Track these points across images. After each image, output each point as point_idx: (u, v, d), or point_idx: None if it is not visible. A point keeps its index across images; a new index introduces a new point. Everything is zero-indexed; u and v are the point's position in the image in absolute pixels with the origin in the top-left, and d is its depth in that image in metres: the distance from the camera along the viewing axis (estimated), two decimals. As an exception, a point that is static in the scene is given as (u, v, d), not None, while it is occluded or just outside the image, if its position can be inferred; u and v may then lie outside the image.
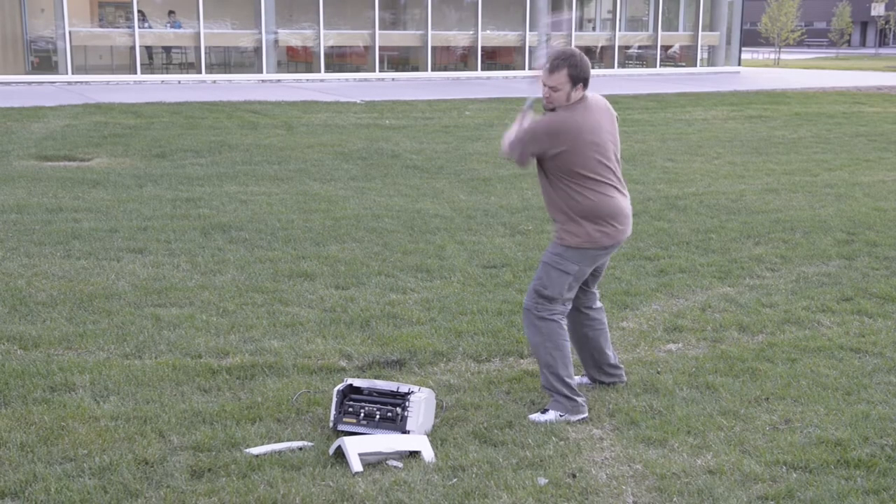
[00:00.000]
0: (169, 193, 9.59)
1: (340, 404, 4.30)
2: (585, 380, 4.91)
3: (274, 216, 8.64)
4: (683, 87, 24.34)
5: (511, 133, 4.54)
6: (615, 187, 4.47)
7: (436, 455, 4.06)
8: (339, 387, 4.34)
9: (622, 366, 4.98)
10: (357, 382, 4.43)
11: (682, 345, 5.58)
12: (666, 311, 6.17)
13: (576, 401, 4.49)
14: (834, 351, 5.45)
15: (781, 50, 47.36)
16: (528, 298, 4.56)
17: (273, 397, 4.62)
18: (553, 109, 4.43)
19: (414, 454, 4.04)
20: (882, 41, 74.16)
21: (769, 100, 21.44)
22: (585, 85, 4.39)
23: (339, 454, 3.99)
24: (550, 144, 4.37)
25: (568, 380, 4.51)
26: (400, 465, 3.97)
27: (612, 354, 4.88)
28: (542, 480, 3.87)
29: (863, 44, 77.88)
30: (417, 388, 4.39)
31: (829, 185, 10.91)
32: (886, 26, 65.10)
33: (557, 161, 4.39)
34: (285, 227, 8.23)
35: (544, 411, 4.49)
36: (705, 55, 31.72)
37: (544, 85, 4.40)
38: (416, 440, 4.10)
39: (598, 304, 4.86)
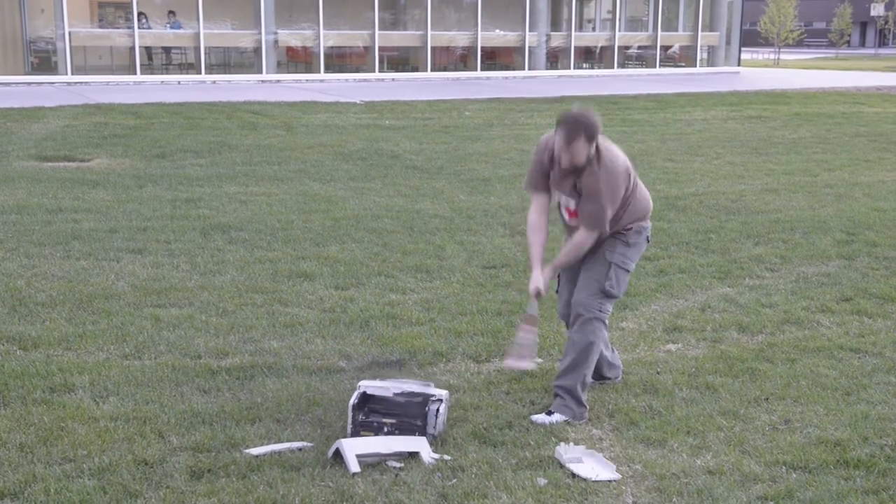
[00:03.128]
0: (168, 194, 9.59)
1: (356, 417, 4.25)
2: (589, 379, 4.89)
3: (273, 217, 8.64)
4: (683, 87, 24.34)
5: (573, 246, 4.55)
6: (640, 185, 4.68)
7: (435, 455, 4.05)
8: (353, 400, 4.28)
9: (621, 365, 4.99)
10: (370, 389, 4.37)
11: (682, 345, 5.58)
12: (665, 312, 6.17)
13: (585, 408, 4.52)
14: (833, 351, 5.45)
15: (781, 50, 47.37)
16: (588, 297, 4.54)
17: (273, 398, 4.62)
18: (578, 168, 4.41)
19: (413, 455, 4.04)
20: (882, 41, 74.18)
21: (769, 100, 21.44)
22: (597, 137, 4.40)
23: (339, 456, 3.99)
24: (626, 186, 4.47)
25: (587, 387, 4.57)
26: (400, 465, 3.97)
27: (614, 351, 4.93)
28: (542, 481, 3.87)
29: (862, 44, 77.88)
30: (431, 387, 4.37)
31: (828, 185, 10.91)
32: (886, 27, 65.12)
33: (626, 196, 4.52)
34: (285, 227, 8.23)
35: (549, 413, 4.48)
36: (705, 55, 31.73)
37: (564, 155, 4.37)
38: (415, 441, 4.10)
39: None
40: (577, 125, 4.29)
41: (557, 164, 4.46)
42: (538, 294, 4.57)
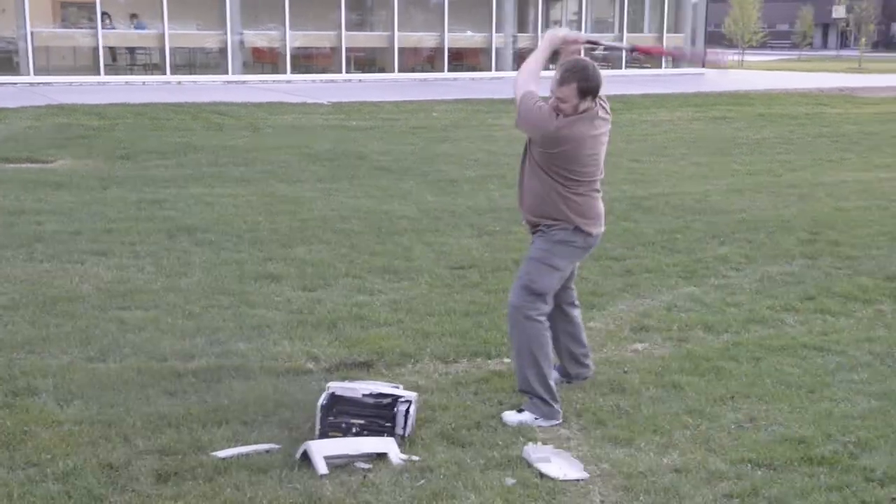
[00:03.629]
0: (133, 195, 9.51)
1: (325, 419, 4.24)
2: (556, 375, 4.88)
3: (240, 218, 8.59)
4: (648, 88, 24.50)
5: (527, 71, 4.53)
6: (597, 190, 4.60)
7: (403, 456, 4.05)
8: (322, 401, 4.27)
9: (592, 361, 4.99)
10: (339, 391, 4.37)
11: (649, 344, 5.62)
12: (632, 311, 6.21)
13: (552, 406, 4.48)
14: (797, 349, 5.51)
15: (745, 51, 47.82)
16: (515, 296, 4.53)
17: (239, 400, 4.59)
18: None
19: (381, 456, 4.03)
20: (843, 43, 75.09)
21: (733, 101, 21.64)
22: (594, 96, 4.42)
23: (306, 457, 3.97)
24: (551, 141, 4.39)
25: (550, 382, 4.52)
26: (368, 466, 3.97)
27: (587, 346, 4.92)
28: (510, 481, 3.88)
29: (824, 46, 78.79)
30: (399, 389, 4.37)
31: (792, 185, 11.03)
32: (847, 29, 65.94)
33: (555, 159, 4.43)
34: (251, 228, 8.19)
35: (519, 411, 4.48)
36: (670, 57, 31.94)
37: (553, 95, 4.38)
38: (383, 442, 4.10)
39: (577, 301, 4.93)
40: (575, 71, 4.32)
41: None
42: (574, 37, 4.63)
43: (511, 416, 4.45)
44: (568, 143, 4.39)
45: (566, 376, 4.92)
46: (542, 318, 4.53)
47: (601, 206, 4.63)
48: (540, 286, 4.49)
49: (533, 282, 4.49)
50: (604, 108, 4.58)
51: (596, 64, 4.43)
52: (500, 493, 3.79)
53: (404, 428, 4.22)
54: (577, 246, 4.56)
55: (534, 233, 4.63)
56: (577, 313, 4.91)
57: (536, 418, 4.45)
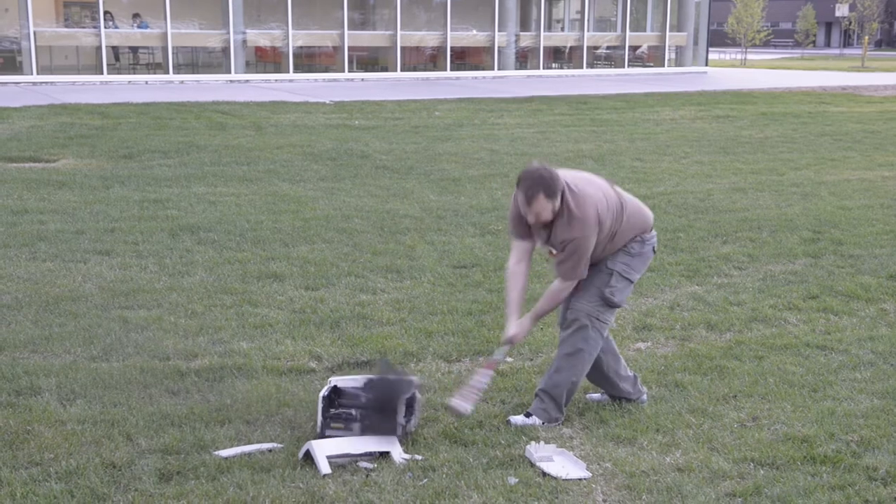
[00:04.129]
0: (136, 195, 9.52)
1: (326, 410, 4.25)
2: (600, 396, 4.79)
3: (243, 217, 8.59)
4: (651, 87, 24.49)
5: (551, 295, 4.47)
6: (629, 199, 4.56)
7: (406, 455, 4.05)
8: (324, 392, 4.29)
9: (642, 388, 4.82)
10: (341, 384, 4.38)
11: (651, 343, 5.62)
12: (635, 310, 6.20)
13: (561, 416, 4.48)
14: (800, 348, 5.51)
15: (748, 50, 47.78)
16: (586, 303, 4.45)
17: (242, 399, 4.60)
18: (550, 223, 4.34)
19: (384, 455, 4.04)
20: (846, 42, 75.03)
21: (736, 100, 21.62)
22: (560, 191, 4.28)
23: (309, 457, 3.97)
24: (599, 227, 4.35)
25: (572, 396, 4.52)
26: (371, 466, 3.97)
27: (631, 374, 4.78)
28: (513, 480, 3.88)
29: (827, 44, 78.71)
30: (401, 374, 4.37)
31: (795, 184, 11.02)
32: (850, 27, 65.89)
33: (606, 241, 4.43)
34: (254, 228, 8.19)
35: (528, 415, 4.46)
36: (673, 55, 31.92)
37: (529, 214, 4.30)
38: (386, 441, 4.10)
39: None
40: (533, 184, 4.21)
41: None
42: (510, 342, 4.49)
43: (519, 420, 4.43)
44: (595, 228, 4.33)
45: (620, 397, 4.73)
46: (605, 333, 4.53)
47: (642, 205, 4.60)
48: (619, 299, 4.49)
49: (614, 294, 4.46)
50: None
51: (539, 165, 4.32)
52: (503, 492, 3.79)
53: (406, 418, 4.21)
54: (649, 255, 4.57)
55: None
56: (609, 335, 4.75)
57: (543, 423, 4.42)
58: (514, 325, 4.45)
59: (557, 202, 4.27)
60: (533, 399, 4.54)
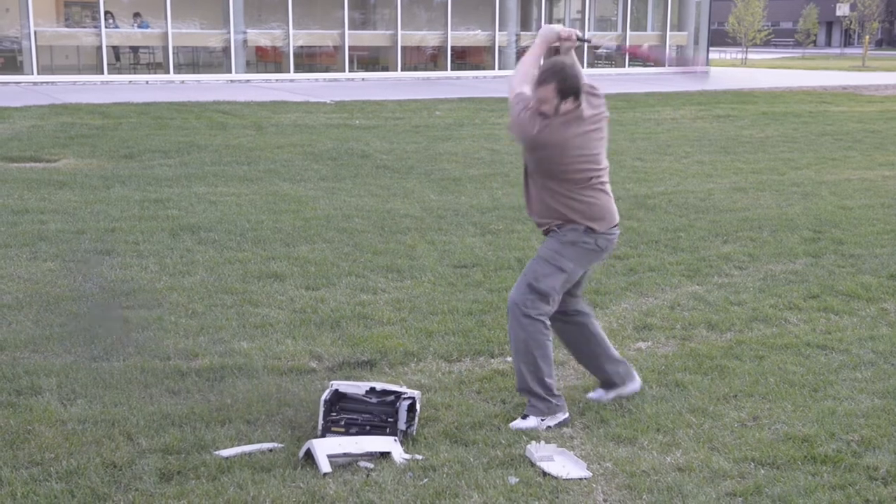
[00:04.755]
0: (137, 194, 9.52)
1: (328, 413, 4.25)
2: (602, 393, 4.77)
3: (243, 217, 8.59)
4: (652, 86, 24.49)
5: (521, 72, 4.47)
6: (602, 187, 4.50)
7: (406, 455, 4.05)
8: (325, 395, 4.28)
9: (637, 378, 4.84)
10: (343, 388, 4.37)
11: (652, 343, 5.62)
12: (636, 310, 6.20)
13: (550, 401, 4.42)
14: (801, 348, 5.51)
15: (748, 50, 47.77)
16: (516, 293, 4.45)
17: (243, 399, 4.60)
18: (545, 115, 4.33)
19: (384, 455, 4.04)
20: (847, 41, 75.00)
21: (737, 99, 21.61)
22: (577, 97, 4.30)
23: (310, 456, 3.97)
24: (532, 146, 4.34)
25: (547, 380, 4.44)
26: (371, 465, 3.97)
27: (614, 351, 4.80)
28: (513, 479, 3.88)
29: (828, 44, 78.70)
30: (402, 388, 4.36)
31: (795, 183, 11.01)
32: (851, 27, 65.86)
33: (542, 163, 4.38)
34: (255, 227, 8.19)
35: (524, 417, 4.45)
36: (673, 55, 31.91)
37: (535, 96, 4.32)
38: (386, 441, 4.10)
39: (587, 307, 4.83)
40: (554, 72, 4.24)
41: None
42: (567, 34, 4.54)
43: (518, 424, 4.42)
44: (548, 148, 4.32)
45: (611, 385, 4.73)
46: (543, 318, 4.43)
47: (610, 203, 4.51)
48: (543, 286, 4.41)
49: (537, 280, 4.41)
50: (593, 103, 4.44)
51: (575, 63, 4.36)
52: (504, 491, 3.79)
53: (407, 424, 4.22)
54: (589, 248, 4.45)
55: (545, 234, 4.56)
56: (587, 320, 4.73)
57: (542, 419, 4.41)
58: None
59: (563, 105, 4.28)
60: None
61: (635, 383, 4.77)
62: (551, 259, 4.43)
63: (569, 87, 4.27)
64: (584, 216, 4.42)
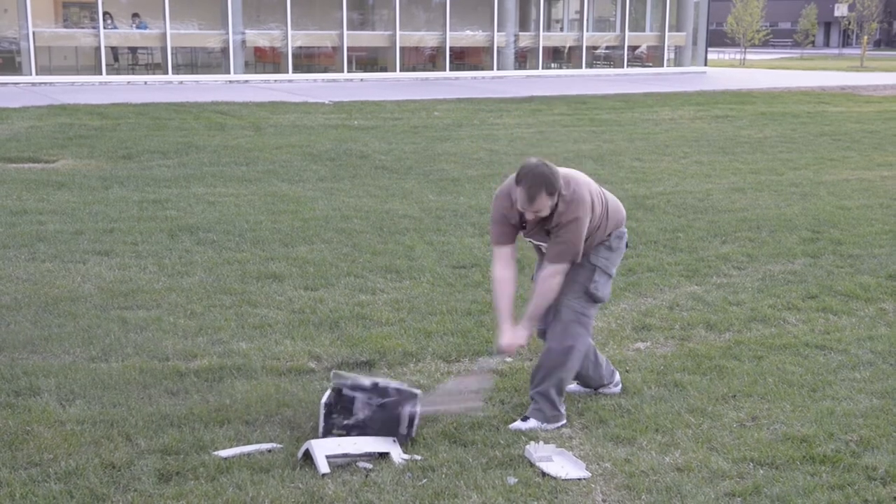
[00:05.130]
0: (135, 195, 9.52)
1: (328, 417, 4.24)
2: (579, 387, 4.83)
3: (242, 217, 8.59)
4: (651, 87, 24.49)
5: (542, 289, 4.43)
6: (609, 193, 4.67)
7: (405, 456, 4.05)
8: (325, 399, 4.26)
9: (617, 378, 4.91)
10: (344, 389, 4.35)
11: (651, 343, 5.62)
12: (634, 310, 6.20)
13: (559, 411, 4.46)
14: (799, 348, 5.51)
15: (747, 50, 47.79)
16: (573, 300, 4.47)
17: (242, 399, 4.59)
18: (547, 217, 4.35)
19: (383, 455, 4.04)
20: (845, 42, 75.03)
21: (735, 100, 21.62)
22: (559, 187, 4.31)
23: (308, 457, 3.97)
24: (593, 211, 4.42)
25: (564, 391, 4.52)
26: (370, 466, 3.97)
27: (606, 363, 4.86)
28: (512, 480, 3.88)
29: (826, 44, 78.74)
30: (404, 386, 4.35)
31: (794, 184, 11.02)
32: (849, 27, 65.89)
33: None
34: (253, 228, 8.19)
35: (525, 419, 4.44)
36: (672, 55, 31.94)
37: (529, 213, 4.31)
38: (385, 442, 4.10)
39: None
40: (535, 182, 4.20)
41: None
42: (509, 349, 4.46)
43: (519, 426, 4.41)
44: (592, 207, 4.40)
45: (588, 386, 4.83)
46: (591, 328, 4.59)
47: (618, 200, 4.70)
48: (601, 293, 4.53)
49: (597, 289, 4.50)
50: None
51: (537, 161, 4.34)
52: (502, 492, 3.79)
53: (409, 428, 4.21)
54: (623, 250, 4.67)
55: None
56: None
57: (542, 424, 4.41)
58: (509, 334, 4.41)
59: (556, 199, 4.29)
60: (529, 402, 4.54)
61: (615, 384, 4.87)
62: (606, 268, 4.55)
63: (556, 184, 4.24)
64: (619, 223, 4.61)
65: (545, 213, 4.31)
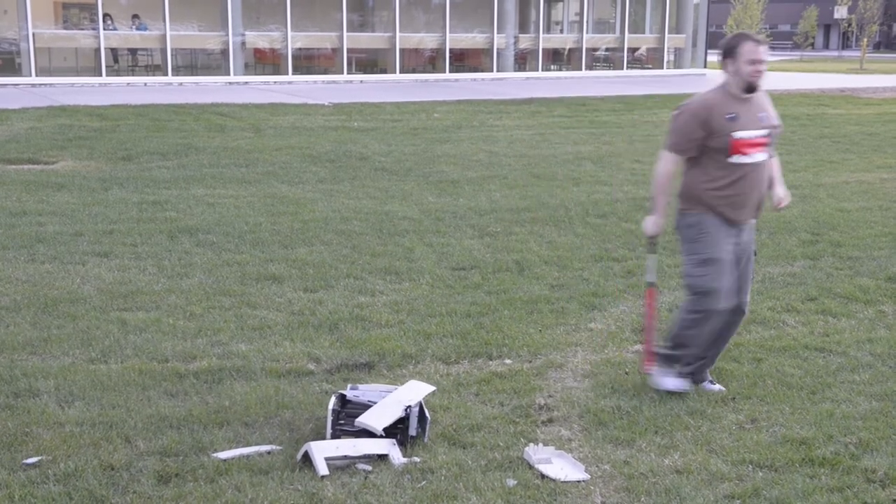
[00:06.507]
0: (135, 196, 9.52)
1: (336, 423, 4.23)
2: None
3: (241, 219, 8.59)
4: (650, 89, 24.50)
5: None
6: None
7: (404, 458, 4.05)
8: (332, 405, 4.25)
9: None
10: (350, 394, 4.35)
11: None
12: (633, 312, 6.20)
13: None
14: (799, 350, 5.51)
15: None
16: (748, 297, 4.96)
17: (241, 401, 4.59)
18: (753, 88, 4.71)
19: (382, 457, 4.04)
20: (845, 44, 75.06)
21: (735, 102, 21.57)
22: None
23: (307, 459, 3.97)
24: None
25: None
26: (369, 468, 3.97)
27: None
28: (511, 482, 3.88)
29: (826, 46, 78.78)
30: (410, 390, 4.35)
31: (793, 186, 11.01)
32: (849, 29, 65.93)
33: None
34: (253, 229, 8.19)
35: (712, 383, 4.92)
36: (672, 57, 31.94)
37: (760, 62, 4.64)
38: (384, 444, 4.10)
39: None
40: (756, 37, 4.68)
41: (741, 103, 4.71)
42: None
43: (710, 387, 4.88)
44: None
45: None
46: None
47: None
48: None
49: None
50: None
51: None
52: (502, 494, 3.79)
53: (417, 429, 4.20)
54: None
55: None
56: None
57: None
58: (659, 222, 5.05)
59: None
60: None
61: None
62: None
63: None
64: None
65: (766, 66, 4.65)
